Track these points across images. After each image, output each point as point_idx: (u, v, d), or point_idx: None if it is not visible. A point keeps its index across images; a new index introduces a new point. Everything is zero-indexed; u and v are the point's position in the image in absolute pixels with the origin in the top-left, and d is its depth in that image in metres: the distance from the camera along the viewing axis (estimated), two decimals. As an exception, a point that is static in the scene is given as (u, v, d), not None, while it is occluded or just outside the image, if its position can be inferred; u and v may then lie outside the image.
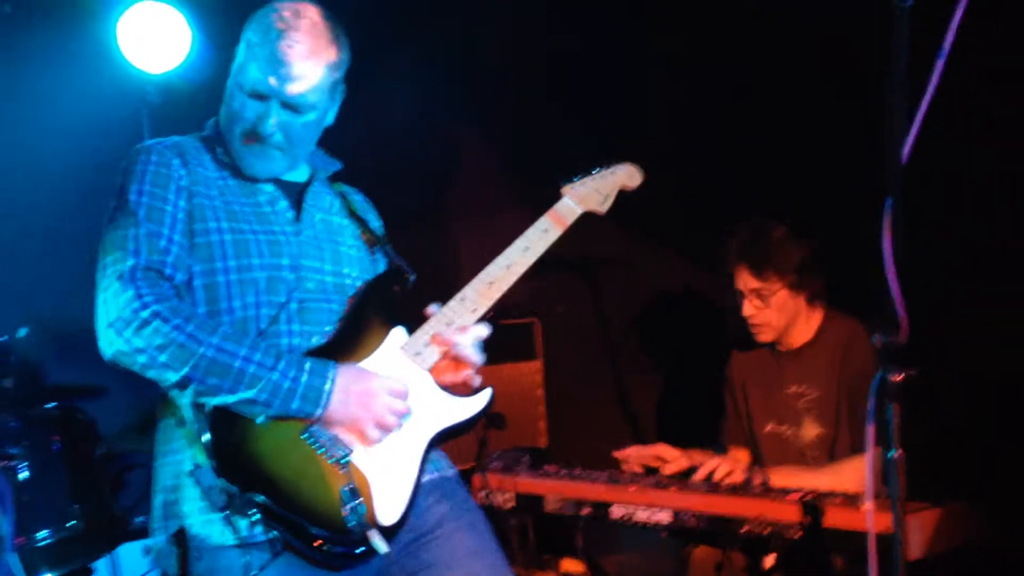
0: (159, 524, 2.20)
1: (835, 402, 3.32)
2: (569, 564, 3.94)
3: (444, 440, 2.30)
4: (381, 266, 2.50)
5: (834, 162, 3.64)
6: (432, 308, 2.34)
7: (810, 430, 3.37)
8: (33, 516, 3.06)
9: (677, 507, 2.95)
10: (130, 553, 3.78)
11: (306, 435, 2.12)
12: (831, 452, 3.31)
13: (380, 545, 2.09)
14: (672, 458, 3.31)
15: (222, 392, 2.05)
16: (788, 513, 2.72)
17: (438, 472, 2.36)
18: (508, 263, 2.37)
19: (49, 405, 3.31)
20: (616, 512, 3.08)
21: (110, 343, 2.07)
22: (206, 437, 2.08)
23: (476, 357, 2.30)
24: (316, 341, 2.25)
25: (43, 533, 3.06)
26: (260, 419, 2.09)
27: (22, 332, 3.58)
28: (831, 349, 3.36)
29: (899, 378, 1.87)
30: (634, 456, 3.34)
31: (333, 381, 2.12)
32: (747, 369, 3.58)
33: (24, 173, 4.47)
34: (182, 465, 2.16)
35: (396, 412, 2.17)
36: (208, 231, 2.22)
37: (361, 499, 2.09)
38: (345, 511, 2.07)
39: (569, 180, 2.51)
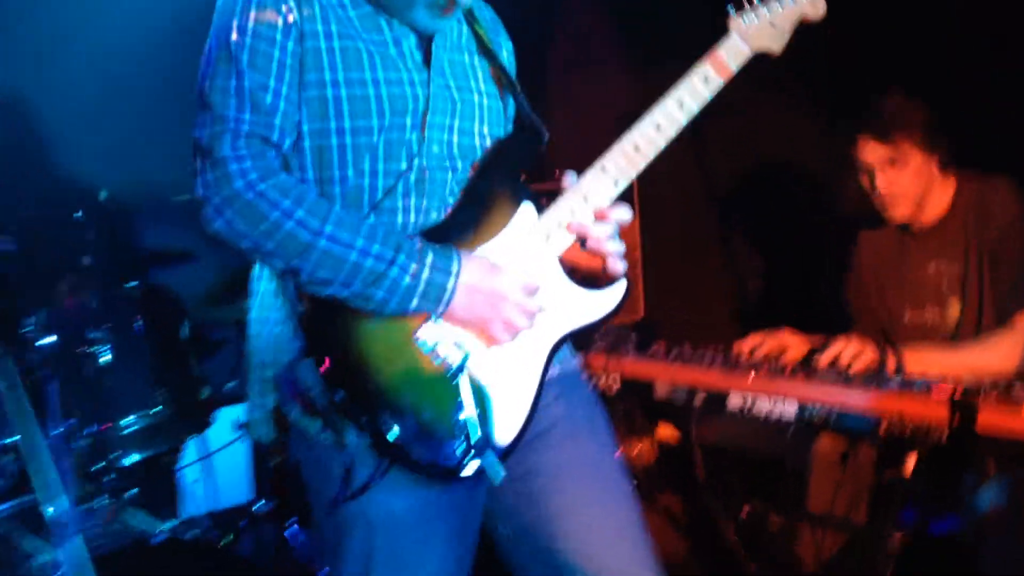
0: (256, 400, 1.99)
1: (979, 272, 3.03)
2: (664, 430, 3.78)
3: (569, 339, 2.04)
4: (510, 117, 2.16)
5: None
6: (567, 178, 2.01)
7: (956, 310, 3.07)
8: (117, 402, 2.92)
9: (804, 398, 2.70)
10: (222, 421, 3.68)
11: (420, 335, 1.88)
12: (978, 331, 3.02)
13: (495, 469, 1.87)
14: (795, 345, 3.04)
15: (333, 285, 1.81)
16: (935, 412, 2.45)
17: (558, 365, 2.09)
18: (657, 122, 1.98)
19: (131, 284, 3.13)
20: (734, 402, 2.83)
21: (209, 221, 1.83)
22: (309, 330, 1.86)
23: (616, 246, 2.00)
24: (434, 218, 1.96)
25: (128, 420, 2.94)
26: (374, 321, 1.85)
27: (103, 195, 3.43)
28: (965, 212, 3.07)
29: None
30: (757, 347, 3.05)
31: (457, 277, 1.85)
32: (878, 253, 3.27)
33: (102, 25, 4.24)
34: (281, 339, 1.93)
35: (528, 313, 1.90)
36: (322, 83, 1.89)
37: (476, 414, 1.88)
38: (456, 428, 1.86)
39: (737, 8, 2.04)
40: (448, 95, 2.01)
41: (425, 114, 1.96)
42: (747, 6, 2.05)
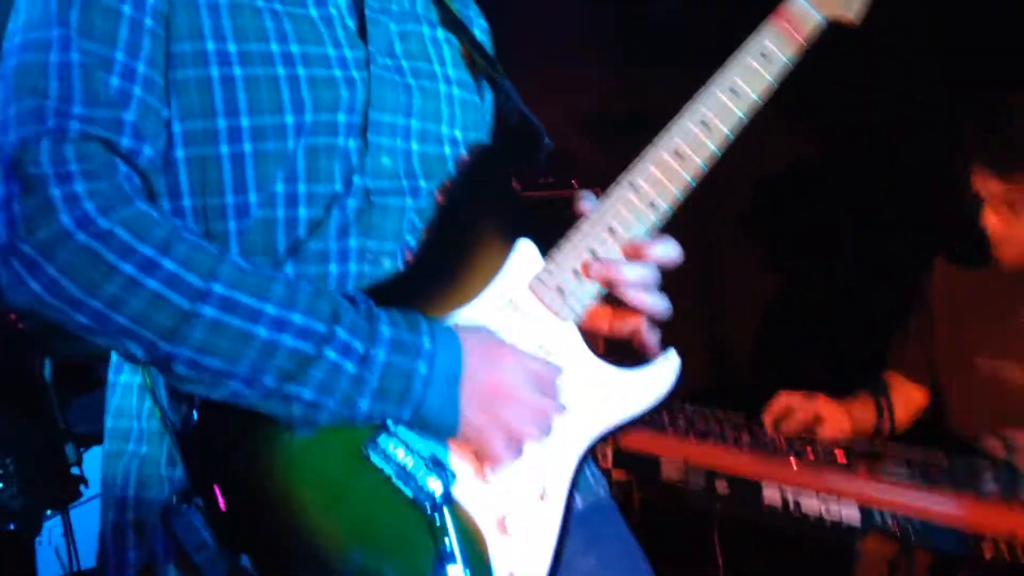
0: (111, 559, 1.32)
1: None
2: (618, 474, 3.31)
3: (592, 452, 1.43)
4: (489, 113, 1.57)
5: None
6: (583, 201, 1.42)
7: None
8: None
9: (869, 501, 2.12)
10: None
11: (376, 452, 1.25)
12: None
13: None
14: (833, 417, 2.49)
15: (231, 382, 1.17)
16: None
17: (583, 497, 1.50)
18: (703, 118, 1.41)
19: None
20: (770, 496, 2.25)
21: (18, 283, 1.15)
22: (192, 453, 1.22)
23: (655, 300, 1.39)
24: (388, 267, 1.37)
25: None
26: (300, 433, 1.23)
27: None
28: None
29: None
30: (783, 417, 2.48)
31: (431, 360, 1.25)
32: (958, 285, 2.69)
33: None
34: (148, 466, 1.30)
35: (543, 415, 1.29)
36: (202, 58, 1.29)
37: (468, 573, 1.26)
38: None
39: None
40: (399, 82, 1.42)
41: (366, 110, 1.38)
42: None
